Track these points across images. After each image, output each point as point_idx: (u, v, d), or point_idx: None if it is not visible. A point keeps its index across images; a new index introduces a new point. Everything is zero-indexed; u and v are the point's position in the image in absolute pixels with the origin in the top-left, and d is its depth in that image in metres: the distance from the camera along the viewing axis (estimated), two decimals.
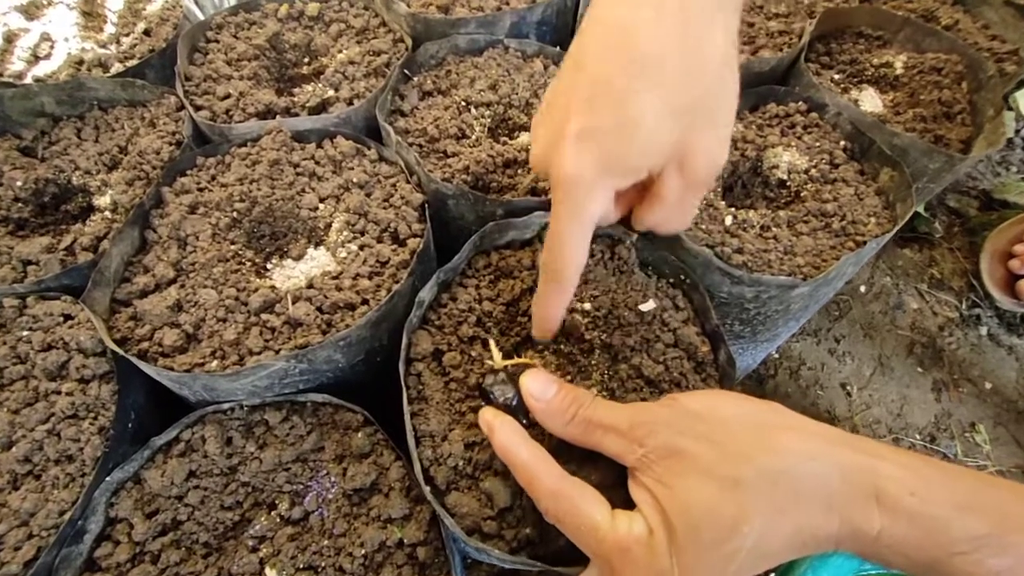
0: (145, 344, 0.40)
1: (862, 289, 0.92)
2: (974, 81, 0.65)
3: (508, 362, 0.38)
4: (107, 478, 0.37)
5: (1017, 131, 1.19)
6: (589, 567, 0.30)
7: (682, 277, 0.45)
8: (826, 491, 0.25)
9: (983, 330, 0.88)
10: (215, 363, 0.39)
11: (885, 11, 0.73)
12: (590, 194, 0.28)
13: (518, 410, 0.34)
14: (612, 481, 0.32)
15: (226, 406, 0.40)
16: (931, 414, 0.81)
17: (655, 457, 0.28)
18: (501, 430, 0.31)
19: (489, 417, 0.32)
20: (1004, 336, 0.87)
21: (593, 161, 0.27)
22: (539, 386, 0.32)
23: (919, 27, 0.70)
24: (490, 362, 0.38)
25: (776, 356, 0.84)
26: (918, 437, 0.79)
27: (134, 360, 0.37)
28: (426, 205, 0.49)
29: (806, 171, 0.55)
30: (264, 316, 0.41)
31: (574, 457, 0.33)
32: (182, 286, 0.43)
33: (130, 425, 0.40)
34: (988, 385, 0.83)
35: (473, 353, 0.42)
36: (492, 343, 0.39)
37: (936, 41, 0.68)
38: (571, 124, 0.27)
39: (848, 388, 0.82)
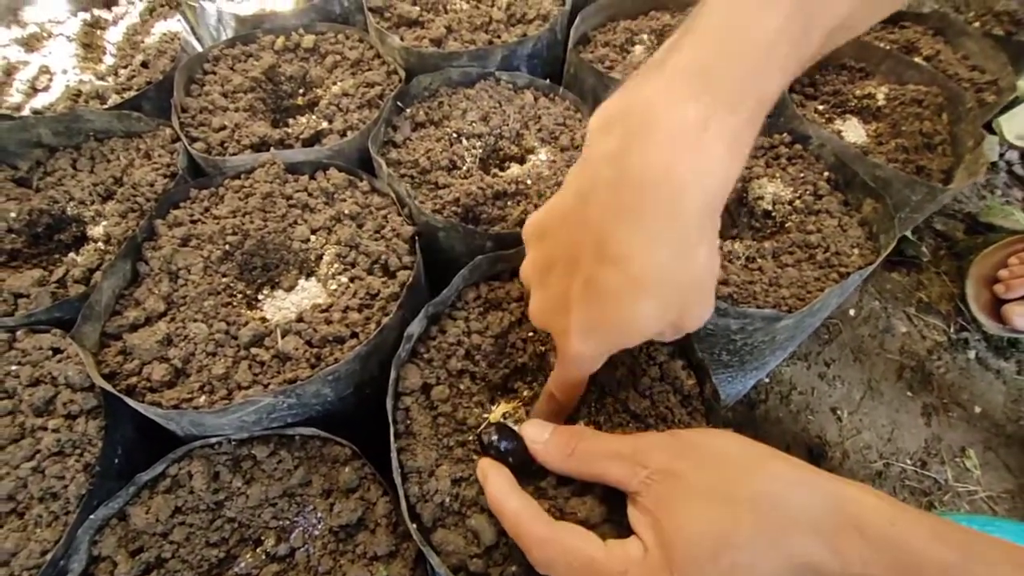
0: (134, 379, 0.40)
1: (851, 313, 0.93)
2: (954, 113, 0.67)
3: (506, 407, 0.40)
4: (91, 516, 0.36)
5: (1001, 155, 1.22)
6: None
7: None
8: (815, 516, 0.25)
9: (971, 354, 0.89)
10: (203, 398, 0.39)
11: (867, 43, 0.75)
12: (592, 366, 0.33)
13: (515, 458, 0.35)
14: (600, 519, 0.32)
15: (213, 440, 0.40)
16: (921, 439, 0.81)
17: (658, 478, 0.29)
18: (493, 480, 0.33)
19: (484, 466, 0.34)
20: (992, 360, 0.88)
21: (596, 346, 0.31)
22: (536, 429, 0.34)
23: (900, 59, 0.72)
24: (486, 416, 0.40)
25: (767, 381, 0.84)
26: (909, 462, 0.79)
27: (122, 397, 0.37)
28: (416, 237, 0.49)
29: (790, 202, 0.56)
30: (254, 350, 0.42)
31: (562, 496, 0.33)
32: (172, 320, 0.43)
33: (116, 460, 0.40)
34: (977, 409, 0.84)
35: (462, 387, 0.42)
36: (498, 407, 0.41)
37: (917, 73, 0.70)
38: (575, 316, 0.30)
39: (838, 413, 0.83)
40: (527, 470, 0.35)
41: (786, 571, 0.25)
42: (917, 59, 0.78)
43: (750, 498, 0.26)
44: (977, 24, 0.90)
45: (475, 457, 0.38)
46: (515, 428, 0.36)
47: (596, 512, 0.32)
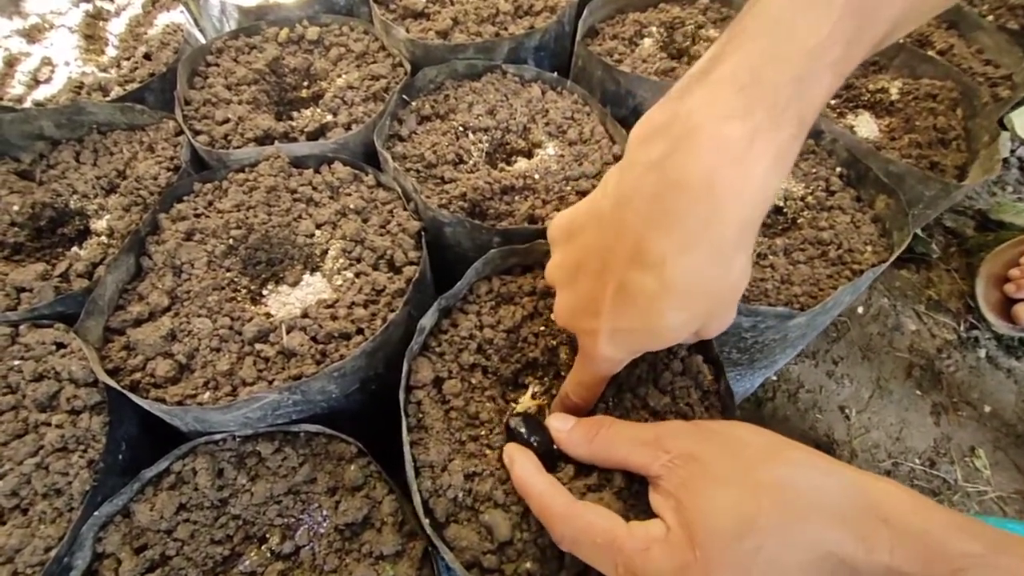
0: (137, 375, 0.39)
1: (860, 310, 0.92)
2: (969, 108, 0.65)
3: (535, 402, 0.40)
4: (95, 512, 0.36)
5: (1013, 151, 1.20)
6: None
7: None
8: (838, 504, 0.25)
9: (981, 352, 0.88)
10: (207, 394, 0.39)
11: None
12: (615, 367, 0.34)
13: (540, 447, 0.35)
14: (620, 510, 0.32)
15: (218, 437, 0.40)
16: (930, 438, 0.80)
17: (680, 462, 0.29)
18: (519, 462, 0.34)
19: (511, 451, 0.35)
20: (1003, 359, 0.87)
21: (622, 350, 0.31)
22: (561, 420, 0.36)
23: (914, 53, 0.70)
24: (515, 405, 0.40)
25: (774, 379, 0.84)
26: (918, 462, 0.78)
27: (126, 392, 0.37)
28: (423, 232, 0.48)
29: (802, 198, 0.55)
30: (258, 346, 0.41)
31: (578, 491, 0.34)
32: (176, 315, 0.43)
33: (120, 456, 0.39)
34: (987, 408, 0.83)
35: (474, 381, 0.41)
36: (529, 391, 0.41)
37: (931, 67, 0.69)
38: (604, 320, 0.30)
39: (847, 411, 0.82)
40: (550, 462, 0.35)
41: (810, 558, 0.25)
42: (931, 53, 0.76)
43: (773, 483, 0.26)
44: (991, 18, 0.88)
45: (488, 452, 0.38)
46: (539, 420, 0.37)
47: (613, 507, 0.32)
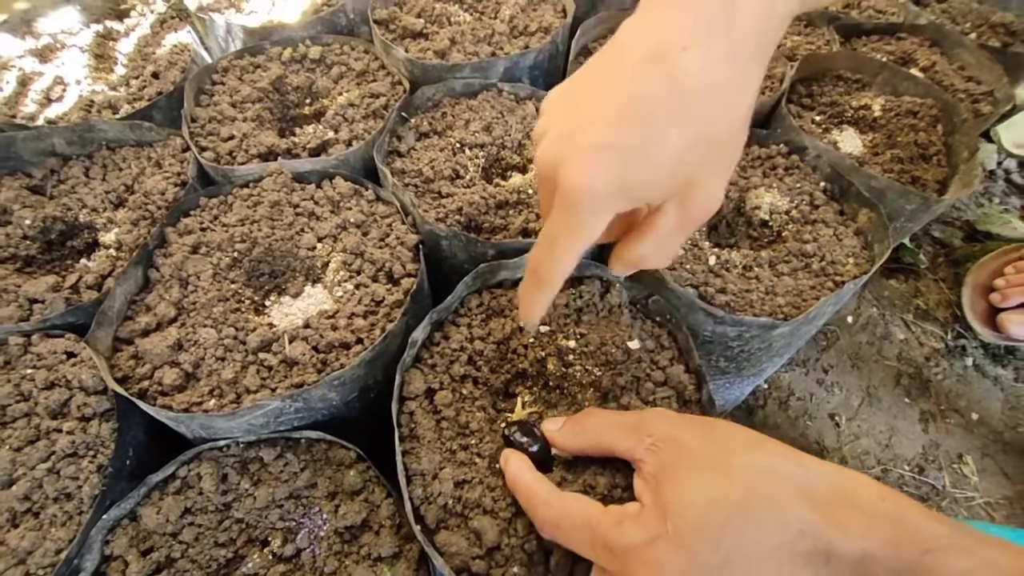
0: (145, 383, 0.41)
1: (849, 319, 0.94)
2: (949, 124, 0.68)
3: (526, 411, 0.42)
4: (104, 516, 0.37)
5: (999, 163, 1.23)
6: (592, 571, 0.31)
7: (667, 317, 0.47)
8: (810, 489, 0.27)
9: (969, 361, 0.90)
10: (213, 402, 0.40)
11: (863, 55, 0.76)
12: (596, 211, 0.27)
13: (534, 456, 0.37)
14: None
15: (222, 443, 0.42)
16: (919, 445, 0.82)
17: (662, 445, 0.31)
18: (513, 463, 0.36)
19: (507, 454, 0.37)
20: (989, 367, 0.89)
21: (609, 177, 0.26)
22: (552, 422, 0.38)
23: (896, 71, 0.73)
24: (509, 415, 0.42)
25: (765, 386, 0.85)
26: (907, 468, 0.80)
27: (135, 400, 0.39)
28: (420, 245, 0.50)
29: (787, 212, 0.57)
30: (262, 355, 0.43)
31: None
32: (183, 325, 0.45)
33: (128, 462, 0.41)
34: (975, 416, 0.84)
35: (464, 392, 0.43)
36: (520, 400, 0.43)
37: (912, 85, 0.72)
38: (595, 133, 0.27)
39: (837, 419, 0.83)
40: (544, 467, 0.37)
41: (783, 539, 0.25)
42: (914, 70, 0.79)
43: (748, 467, 0.28)
44: (973, 35, 0.91)
45: (477, 460, 0.39)
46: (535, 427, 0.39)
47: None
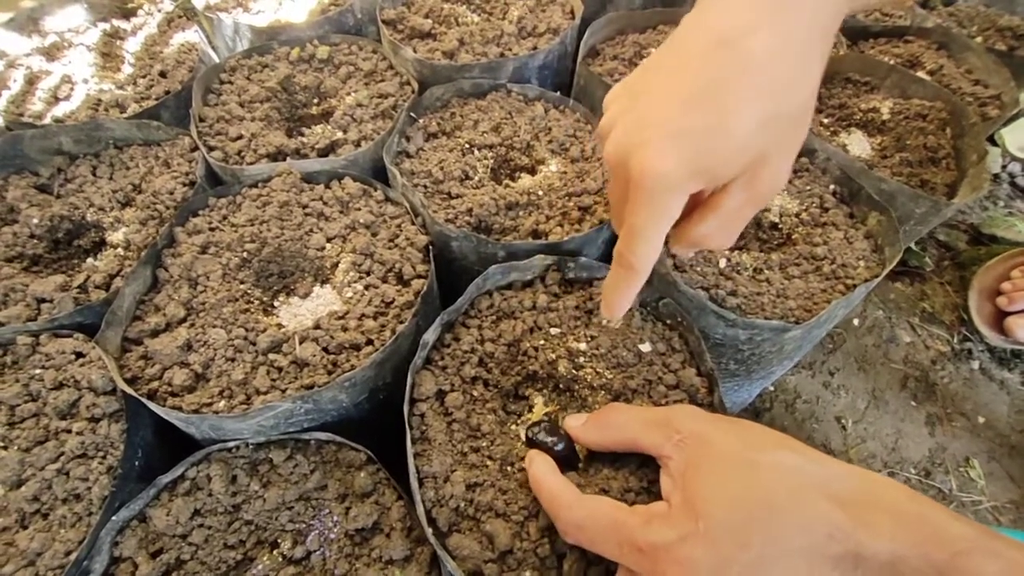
0: (155, 384, 0.41)
1: (855, 322, 0.94)
2: (958, 127, 0.68)
3: (547, 409, 0.42)
4: (113, 517, 0.37)
5: (1003, 166, 1.23)
6: (618, 573, 0.31)
7: (678, 319, 0.47)
8: (836, 489, 0.26)
9: (975, 364, 0.89)
10: (223, 403, 0.40)
11: (872, 58, 0.76)
12: (674, 194, 0.28)
13: (559, 455, 0.37)
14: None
15: (232, 444, 0.41)
16: (925, 448, 0.81)
17: (690, 442, 0.31)
18: (536, 463, 0.35)
19: (531, 455, 0.37)
20: (995, 370, 0.89)
21: (684, 161, 0.27)
22: (574, 418, 0.38)
23: (904, 74, 0.73)
24: (529, 415, 0.42)
25: (772, 389, 0.85)
26: (913, 472, 0.79)
27: (144, 400, 0.38)
28: (430, 246, 0.50)
29: (797, 214, 0.57)
30: (272, 356, 0.43)
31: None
32: (192, 325, 0.44)
33: (137, 463, 0.41)
34: (981, 419, 0.84)
35: (475, 393, 0.43)
36: (539, 402, 0.43)
37: (921, 88, 0.71)
38: (667, 121, 0.27)
39: (843, 422, 0.83)
40: (568, 465, 0.37)
41: (812, 540, 0.25)
42: (921, 73, 0.79)
43: (777, 465, 0.28)
44: (980, 39, 0.91)
45: (489, 463, 0.39)
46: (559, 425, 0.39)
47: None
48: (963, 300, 0.92)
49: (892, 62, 0.78)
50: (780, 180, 0.30)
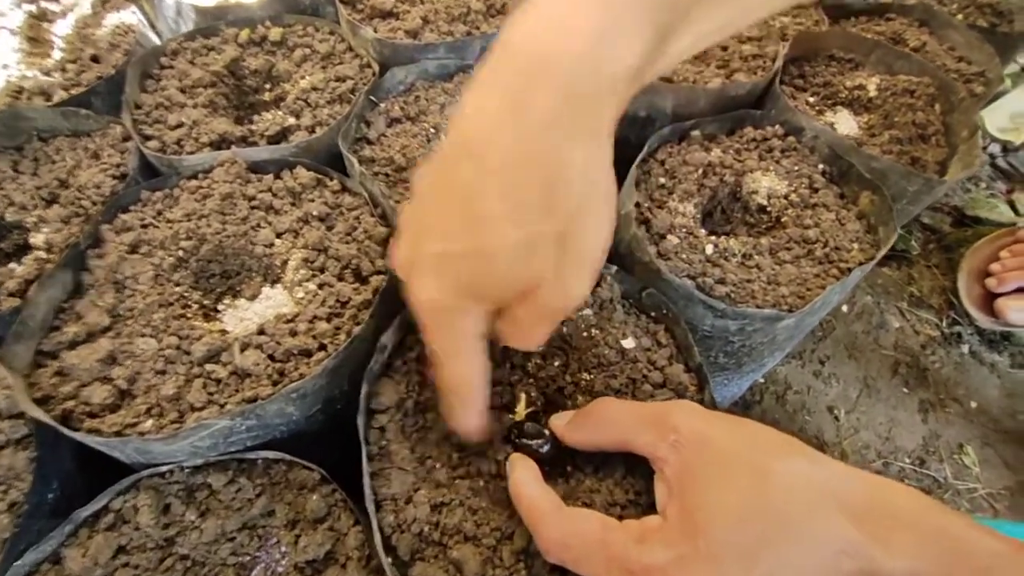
0: (70, 403, 0.35)
1: (844, 309, 0.91)
2: (947, 103, 0.65)
3: (529, 409, 0.38)
4: (17, 562, 0.32)
5: (984, 147, 1.22)
6: None
7: (664, 311, 0.43)
8: (850, 501, 0.24)
9: (965, 348, 0.88)
10: (150, 422, 0.35)
11: (856, 34, 0.73)
12: (455, 317, 0.27)
13: (544, 457, 0.34)
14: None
15: (164, 468, 0.36)
16: (919, 436, 0.79)
17: (687, 443, 0.27)
18: (518, 470, 0.31)
19: (514, 460, 0.33)
20: (986, 353, 0.87)
21: (446, 288, 0.25)
22: (561, 417, 0.34)
23: (889, 50, 0.70)
24: (510, 416, 0.37)
25: (762, 381, 0.82)
26: (908, 461, 0.77)
27: (55, 424, 0.33)
28: (391, 239, 0.45)
29: (786, 196, 0.54)
30: (208, 367, 0.38)
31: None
32: (117, 335, 0.39)
33: (51, 496, 0.35)
34: (973, 404, 0.83)
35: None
36: (522, 399, 0.38)
37: (907, 63, 0.69)
38: (428, 244, 0.26)
39: (835, 412, 0.81)
40: (553, 467, 0.34)
41: (823, 557, 0.23)
42: (905, 50, 0.76)
43: (785, 473, 0.24)
44: (960, 16, 0.89)
45: (457, 481, 0.34)
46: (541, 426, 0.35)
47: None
48: (951, 283, 0.90)
49: (876, 38, 0.75)
50: (569, 297, 0.26)
